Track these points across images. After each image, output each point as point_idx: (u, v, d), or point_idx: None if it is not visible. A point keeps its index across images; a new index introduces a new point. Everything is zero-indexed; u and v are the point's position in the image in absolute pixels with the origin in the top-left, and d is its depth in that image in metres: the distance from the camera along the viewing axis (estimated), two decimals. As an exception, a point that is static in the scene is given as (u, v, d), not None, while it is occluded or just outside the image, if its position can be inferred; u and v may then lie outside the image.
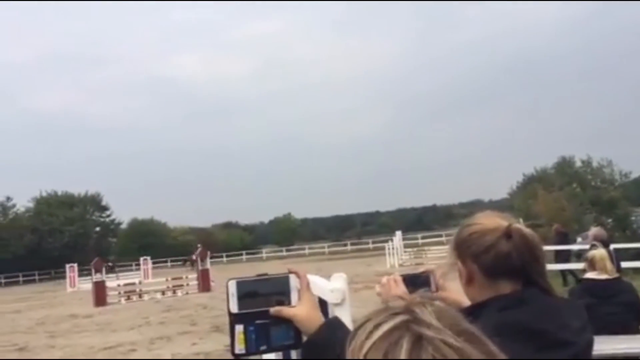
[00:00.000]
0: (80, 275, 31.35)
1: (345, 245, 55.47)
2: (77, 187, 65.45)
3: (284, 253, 54.80)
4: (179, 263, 48.76)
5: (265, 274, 1.27)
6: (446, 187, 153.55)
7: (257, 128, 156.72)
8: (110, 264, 46.84)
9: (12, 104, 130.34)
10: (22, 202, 60.15)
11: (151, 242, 56.75)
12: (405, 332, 0.65)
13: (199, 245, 41.77)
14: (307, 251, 54.31)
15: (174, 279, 23.70)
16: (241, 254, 54.51)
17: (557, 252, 12.72)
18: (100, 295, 20.05)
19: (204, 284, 21.55)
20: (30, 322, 16.46)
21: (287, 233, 77.52)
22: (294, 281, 1.25)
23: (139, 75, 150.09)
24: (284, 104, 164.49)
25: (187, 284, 22.39)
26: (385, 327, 0.67)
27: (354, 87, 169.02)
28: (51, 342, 12.25)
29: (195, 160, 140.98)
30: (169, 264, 50.53)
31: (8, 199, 58.12)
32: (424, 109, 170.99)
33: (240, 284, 1.22)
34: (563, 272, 12.62)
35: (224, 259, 51.10)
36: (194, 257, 38.97)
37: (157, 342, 10.83)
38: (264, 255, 55.93)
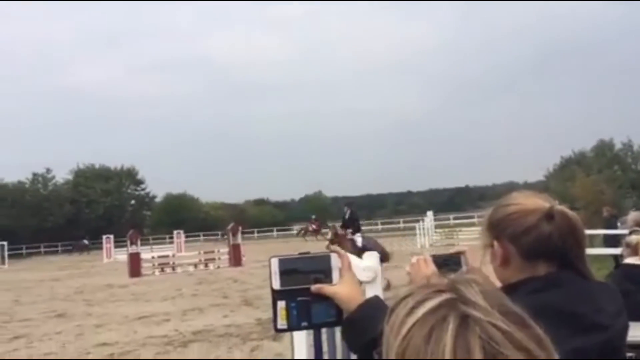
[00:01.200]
0: (115, 246, 32.30)
1: (376, 224, 55.37)
2: (114, 161, 66.88)
3: (315, 230, 55.02)
4: (217, 237, 49.62)
5: (308, 252, 1.28)
6: (480, 168, 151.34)
7: (290, 106, 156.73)
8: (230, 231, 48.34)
9: (51, 79, 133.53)
10: (61, 174, 61.91)
11: (184, 217, 57.74)
12: (451, 310, 0.63)
13: (312, 216, 42.50)
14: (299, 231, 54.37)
15: (206, 252, 24.15)
16: (272, 230, 55.08)
17: (610, 235, 12.36)
18: (135, 266, 20.57)
19: (235, 259, 21.88)
20: (68, 290, 17.04)
21: (317, 211, 77.78)
22: (335, 260, 1.26)
23: (175, 52, 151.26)
24: (318, 84, 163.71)
25: (219, 258, 22.77)
26: (430, 304, 0.64)
27: (390, 68, 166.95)
28: (88, 309, 12.67)
29: (228, 137, 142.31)
30: (201, 237, 51.46)
31: (48, 170, 59.86)
32: (458, 90, 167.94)
33: (283, 262, 1.24)
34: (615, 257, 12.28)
35: (255, 235, 51.75)
36: (310, 228, 39.90)
37: (190, 313, 11.08)
38: (295, 232, 56.31)
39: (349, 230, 14.46)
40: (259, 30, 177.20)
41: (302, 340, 3.35)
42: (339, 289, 1.23)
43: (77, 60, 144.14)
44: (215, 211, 65.76)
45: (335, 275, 1.24)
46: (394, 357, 0.64)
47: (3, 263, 34.59)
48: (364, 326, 1.15)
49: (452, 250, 1.54)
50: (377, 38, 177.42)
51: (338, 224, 15.21)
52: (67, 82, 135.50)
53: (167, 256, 24.06)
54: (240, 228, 24.05)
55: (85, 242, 44.24)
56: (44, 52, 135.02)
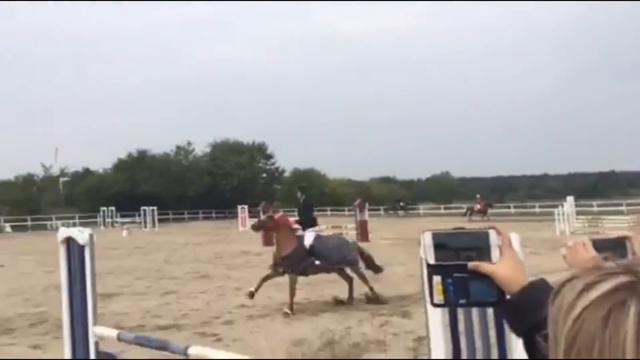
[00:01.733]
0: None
1: (508, 207, 52.88)
2: (246, 137, 70.49)
3: (442, 211, 54.05)
4: (341, 212, 50.68)
5: (462, 228, 1.22)
6: (628, 151, 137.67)
7: (418, 84, 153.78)
8: (402, 204, 50.98)
9: (188, 58, 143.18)
10: (199, 147, 66.63)
11: (311, 192, 59.30)
12: (631, 293, 0.58)
13: (478, 196, 43.45)
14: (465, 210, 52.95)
15: (334, 227, 24.73)
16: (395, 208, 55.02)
17: None
18: (268, 236, 21.60)
19: (363, 234, 22.19)
20: (209, 255, 18.48)
21: (444, 191, 76.32)
22: (494, 237, 1.17)
23: (304, 27, 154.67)
24: (446, 61, 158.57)
25: (347, 233, 23.17)
26: (605, 287, 0.59)
27: (534, 43, 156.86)
28: (228, 273, 13.65)
29: (356, 115, 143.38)
30: (328, 212, 52.80)
31: (189, 143, 64.77)
32: (603, 62, 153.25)
33: (436, 236, 1.19)
34: None
35: (382, 212, 52.02)
36: (475, 207, 41.35)
37: (320, 284, 11.46)
38: (421, 211, 55.68)
39: (295, 220, 10.76)
40: (387, 7, 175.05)
41: (437, 318, 3.34)
42: (499, 268, 1.14)
43: (215, 38, 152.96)
44: (342, 187, 66.96)
45: (494, 253, 1.16)
46: (563, 342, 0.61)
47: (154, 226, 38.40)
48: (529, 309, 1.06)
49: (613, 234, 1.37)
50: (520, 14, 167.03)
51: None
52: (205, 60, 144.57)
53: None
54: (367, 204, 24.31)
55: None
56: (185, 31, 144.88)
